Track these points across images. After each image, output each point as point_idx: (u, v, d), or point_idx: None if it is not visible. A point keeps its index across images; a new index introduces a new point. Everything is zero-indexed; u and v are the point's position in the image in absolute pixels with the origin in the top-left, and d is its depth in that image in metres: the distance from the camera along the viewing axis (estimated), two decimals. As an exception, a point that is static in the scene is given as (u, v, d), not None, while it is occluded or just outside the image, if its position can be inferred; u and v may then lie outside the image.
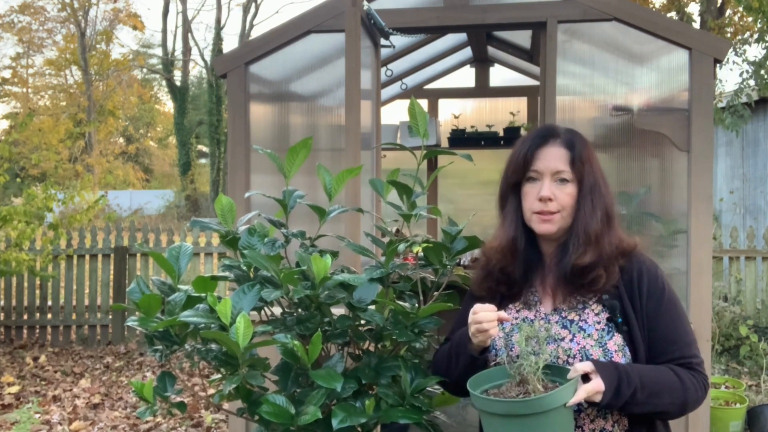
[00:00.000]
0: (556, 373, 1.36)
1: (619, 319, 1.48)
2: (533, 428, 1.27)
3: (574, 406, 1.35)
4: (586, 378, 1.37)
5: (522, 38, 4.58)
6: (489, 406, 1.30)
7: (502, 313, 1.46)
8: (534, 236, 1.57)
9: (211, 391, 4.09)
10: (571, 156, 1.51)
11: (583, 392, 1.32)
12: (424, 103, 5.46)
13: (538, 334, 1.41)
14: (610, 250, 1.50)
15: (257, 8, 30.80)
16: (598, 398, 1.35)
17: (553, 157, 1.51)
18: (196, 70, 28.53)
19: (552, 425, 1.28)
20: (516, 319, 1.58)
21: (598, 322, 1.49)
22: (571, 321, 1.51)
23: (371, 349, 1.66)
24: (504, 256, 1.57)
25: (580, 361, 1.45)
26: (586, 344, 1.47)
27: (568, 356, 1.47)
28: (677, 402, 1.43)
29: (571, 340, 1.49)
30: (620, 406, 1.38)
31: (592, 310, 1.51)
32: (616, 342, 1.47)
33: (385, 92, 4.99)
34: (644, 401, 1.39)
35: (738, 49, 7.27)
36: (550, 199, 1.49)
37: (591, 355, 1.46)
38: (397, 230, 2.84)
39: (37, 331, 6.85)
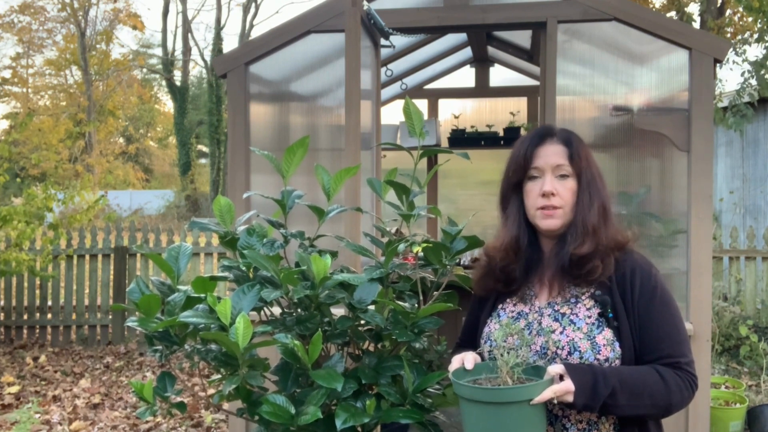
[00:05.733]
0: (540, 373, 1.38)
1: (610, 315, 1.51)
2: (496, 418, 1.32)
3: (548, 405, 1.38)
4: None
5: (522, 38, 4.58)
6: (458, 389, 1.37)
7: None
8: (535, 234, 1.62)
9: (211, 391, 4.09)
10: (569, 152, 1.56)
11: (549, 392, 1.33)
12: (424, 103, 5.46)
13: (526, 330, 1.46)
14: (606, 242, 1.54)
15: (257, 8, 30.83)
16: (569, 398, 1.36)
17: (553, 154, 1.56)
18: (196, 70, 28.57)
19: (516, 419, 1.31)
20: (512, 312, 1.61)
21: (589, 317, 1.52)
22: (563, 314, 1.54)
23: (371, 349, 1.66)
24: (507, 254, 1.61)
25: (568, 352, 1.48)
26: (574, 337, 1.50)
27: (557, 348, 1.50)
28: (660, 404, 1.44)
29: (561, 333, 1.52)
30: (601, 407, 1.39)
31: (584, 304, 1.54)
32: (605, 337, 1.49)
33: (385, 92, 4.99)
34: (625, 403, 1.40)
35: (738, 49, 7.26)
36: (552, 193, 1.54)
37: (579, 347, 1.48)
38: (397, 230, 2.84)
39: (37, 331, 6.85)
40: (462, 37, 4.77)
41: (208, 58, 24.61)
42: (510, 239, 1.60)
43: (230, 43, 39.41)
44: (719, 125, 7.07)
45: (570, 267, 1.53)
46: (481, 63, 5.32)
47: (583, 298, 1.55)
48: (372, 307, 1.61)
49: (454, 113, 5.42)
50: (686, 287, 2.70)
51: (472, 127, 5.27)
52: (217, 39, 23.21)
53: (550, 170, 1.55)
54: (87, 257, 6.85)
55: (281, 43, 2.97)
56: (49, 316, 6.82)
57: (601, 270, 1.51)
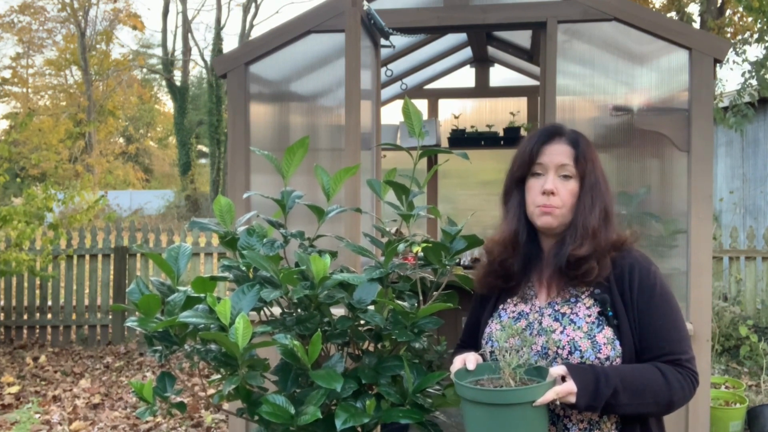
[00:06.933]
0: (542, 374, 1.38)
1: (610, 313, 1.51)
2: (498, 419, 1.32)
3: (550, 405, 1.38)
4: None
5: (522, 38, 4.58)
6: (461, 390, 1.37)
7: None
8: (535, 231, 1.62)
9: (211, 391, 4.09)
10: (575, 153, 1.56)
11: (552, 393, 1.33)
12: (424, 103, 5.46)
13: (527, 330, 1.47)
14: (605, 244, 1.54)
15: (257, 8, 30.85)
16: (572, 399, 1.36)
17: (558, 153, 1.57)
18: (196, 70, 28.56)
19: (518, 421, 1.32)
20: (513, 312, 1.62)
21: (589, 316, 1.52)
22: (563, 314, 1.55)
23: (371, 349, 1.66)
24: (505, 249, 1.62)
25: (569, 352, 1.49)
26: (575, 336, 1.50)
27: (558, 347, 1.50)
28: (662, 401, 1.44)
29: (562, 332, 1.52)
30: (603, 407, 1.39)
31: (584, 303, 1.54)
32: (605, 335, 1.49)
33: (385, 92, 4.99)
34: (627, 402, 1.40)
35: (738, 49, 7.26)
36: (552, 192, 1.54)
37: (579, 347, 1.49)
38: (397, 230, 2.84)
39: (37, 331, 6.85)
40: (462, 37, 4.77)
41: (208, 58, 24.61)
42: (509, 233, 1.61)
43: (230, 43, 39.42)
44: (719, 125, 7.07)
45: (567, 268, 1.53)
46: (481, 63, 5.32)
47: (583, 297, 1.55)
48: (372, 307, 1.61)
49: (454, 113, 5.42)
50: (686, 287, 2.70)
51: (472, 127, 5.27)
52: (217, 39, 23.21)
53: (553, 169, 1.55)
54: (87, 257, 6.85)
55: (281, 43, 2.97)
56: (49, 316, 6.82)
57: (597, 272, 1.51)
